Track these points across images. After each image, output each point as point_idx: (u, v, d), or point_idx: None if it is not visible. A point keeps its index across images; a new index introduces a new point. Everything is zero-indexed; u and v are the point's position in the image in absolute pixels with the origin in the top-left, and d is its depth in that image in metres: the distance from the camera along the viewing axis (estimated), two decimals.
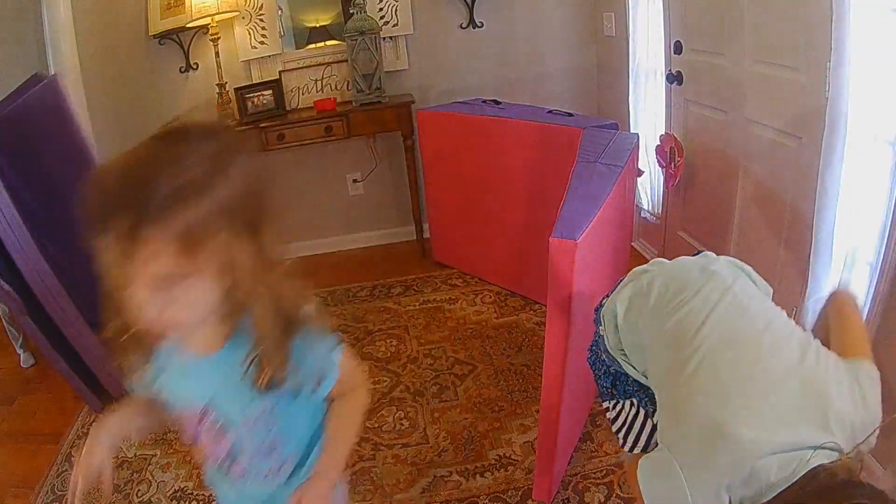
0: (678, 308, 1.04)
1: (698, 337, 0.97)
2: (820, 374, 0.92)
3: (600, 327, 1.23)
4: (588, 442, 1.97)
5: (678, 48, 2.50)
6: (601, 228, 1.61)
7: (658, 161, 2.76)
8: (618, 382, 1.22)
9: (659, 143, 2.72)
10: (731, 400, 0.88)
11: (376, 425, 2.16)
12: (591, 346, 1.30)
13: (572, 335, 1.52)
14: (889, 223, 1.54)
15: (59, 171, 2.33)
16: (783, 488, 0.83)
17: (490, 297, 2.94)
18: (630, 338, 1.14)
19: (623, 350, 1.16)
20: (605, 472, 1.86)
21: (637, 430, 1.20)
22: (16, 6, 3.06)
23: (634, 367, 1.15)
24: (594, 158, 1.96)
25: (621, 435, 1.24)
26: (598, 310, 1.26)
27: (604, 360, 1.24)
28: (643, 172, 2.77)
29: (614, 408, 1.24)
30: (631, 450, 1.24)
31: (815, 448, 0.84)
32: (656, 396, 1.05)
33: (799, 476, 0.82)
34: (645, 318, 1.10)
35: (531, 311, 2.77)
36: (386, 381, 2.40)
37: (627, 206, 2.25)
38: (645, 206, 3.13)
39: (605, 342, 1.20)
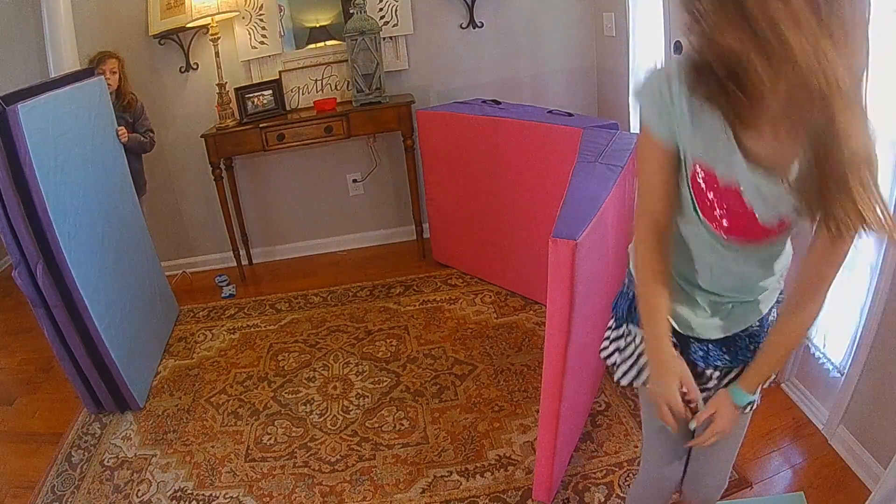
0: None
1: None
2: None
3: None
4: (588, 442, 1.97)
5: (678, 48, 2.50)
6: (601, 228, 1.61)
7: None
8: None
9: None
10: None
11: (376, 425, 2.16)
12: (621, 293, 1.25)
13: (572, 335, 1.52)
14: None
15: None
16: None
17: (490, 297, 2.94)
18: None
19: None
20: (605, 472, 1.86)
21: (640, 364, 1.19)
22: (16, 7, 3.06)
23: None
24: (594, 158, 1.95)
25: (623, 364, 1.22)
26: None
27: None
28: None
29: (626, 335, 1.21)
30: (618, 380, 1.23)
31: None
32: None
33: None
34: None
35: (531, 311, 2.77)
36: (386, 381, 2.40)
37: (627, 206, 2.25)
38: None
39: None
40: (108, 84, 2.72)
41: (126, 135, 2.74)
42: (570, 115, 2.60)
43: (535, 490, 1.77)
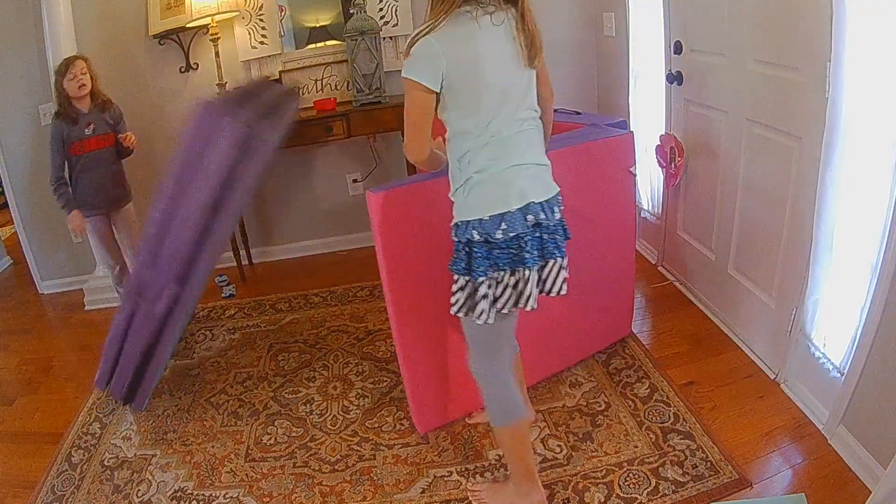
0: None
1: None
2: None
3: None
4: (588, 442, 1.97)
5: (678, 48, 2.50)
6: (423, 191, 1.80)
7: (658, 161, 2.75)
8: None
9: (659, 143, 2.72)
10: None
11: (376, 425, 2.16)
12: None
13: (396, 261, 1.78)
14: (889, 223, 1.54)
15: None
16: None
17: None
18: None
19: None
20: (605, 471, 1.85)
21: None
22: (15, 6, 3.06)
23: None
24: None
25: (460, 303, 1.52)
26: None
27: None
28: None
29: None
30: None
31: None
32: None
33: None
34: None
35: None
36: (386, 381, 2.40)
37: (628, 205, 2.26)
38: (645, 206, 3.13)
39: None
40: (83, 86, 2.54)
41: (132, 140, 2.64)
42: (577, 113, 2.57)
43: (417, 424, 2.00)
